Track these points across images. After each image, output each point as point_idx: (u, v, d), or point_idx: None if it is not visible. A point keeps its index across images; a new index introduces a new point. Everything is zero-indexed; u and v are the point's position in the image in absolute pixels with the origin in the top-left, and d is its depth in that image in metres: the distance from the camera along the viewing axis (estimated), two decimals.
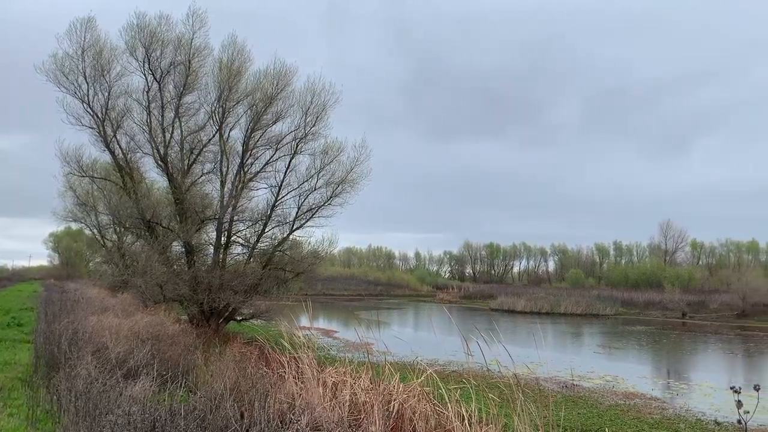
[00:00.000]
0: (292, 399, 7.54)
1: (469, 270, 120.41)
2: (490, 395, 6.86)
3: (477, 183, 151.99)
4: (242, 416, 6.10)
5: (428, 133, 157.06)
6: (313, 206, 20.53)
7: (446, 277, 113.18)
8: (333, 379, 8.64)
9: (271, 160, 20.66)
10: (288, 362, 8.94)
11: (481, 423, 6.87)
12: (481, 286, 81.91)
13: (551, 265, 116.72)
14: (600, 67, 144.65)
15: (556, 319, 44.54)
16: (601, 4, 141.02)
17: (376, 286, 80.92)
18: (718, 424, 11.76)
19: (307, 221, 20.70)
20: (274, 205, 20.63)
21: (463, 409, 6.97)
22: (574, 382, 16.46)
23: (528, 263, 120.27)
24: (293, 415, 6.70)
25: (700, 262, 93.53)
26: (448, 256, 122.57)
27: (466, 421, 6.77)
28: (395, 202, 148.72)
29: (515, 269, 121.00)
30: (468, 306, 59.18)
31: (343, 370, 8.89)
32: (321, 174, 20.42)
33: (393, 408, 7.63)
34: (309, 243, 21.69)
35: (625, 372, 19.31)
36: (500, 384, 6.77)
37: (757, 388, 3.51)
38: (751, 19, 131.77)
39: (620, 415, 12.28)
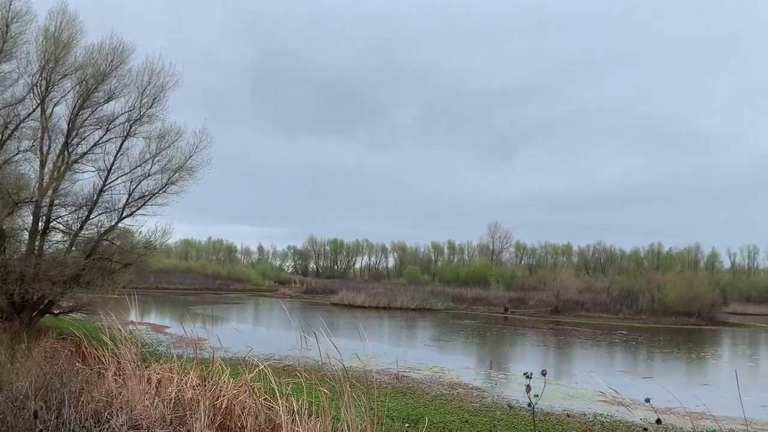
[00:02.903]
0: (110, 397, 7.05)
1: (312, 265, 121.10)
2: (322, 389, 6.92)
3: (323, 179, 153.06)
4: (35, 416, 5.57)
5: (274, 126, 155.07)
6: (146, 193, 19.33)
7: (289, 272, 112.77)
8: (158, 376, 8.23)
9: (101, 141, 19.11)
10: (108, 359, 8.36)
11: (311, 416, 6.92)
12: (324, 281, 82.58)
13: (391, 262, 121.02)
14: (441, 74, 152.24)
15: (392, 314, 46.15)
16: (444, 13, 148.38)
17: (215, 281, 78.17)
18: (510, 407, 12.92)
19: (138, 209, 19.43)
20: (101, 190, 19.11)
21: (294, 403, 6.97)
22: (404, 374, 17.17)
23: (370, 259, 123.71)
24: (109, 414, 6.27)
25: (523, 262, 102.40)
26: (292, 250, 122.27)
27: (296, 415, 6.78)
28: (238, 194, 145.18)
29: (357, 265, 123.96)
30: (310, 301, 59.35)
31: (170, 366, 8.50)
32: (156, 159, 19.28)
33: (221, 404, 7.45)
34: (140, 232, 20.42)
35: (452, 363, 20.51)
36: (332, 377, 6.85)
37: (544, 373, 3.89)
38: (570, 41, 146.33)
39: (444, 404, 13.01)
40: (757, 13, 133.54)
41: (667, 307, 49.76)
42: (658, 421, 4.30)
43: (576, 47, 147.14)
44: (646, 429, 4.74)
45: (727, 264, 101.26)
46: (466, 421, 11.30)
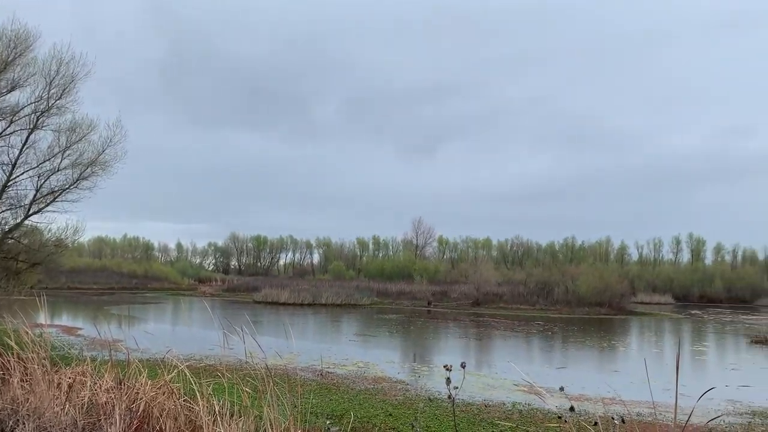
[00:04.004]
0: (15, 405, 6.68)
1: (234, 262, 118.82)
2: (244, 388, 6.82)
3: (244, 173, 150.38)
4: None
5: (192, 119, 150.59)
6: (56, 189, 18.36)
7: (210, 269, 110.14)
8: (69, 380, 7.86)
9: (4, 133, 17.96)
10: (14, 364, 7.90)
11: (234, 416, 6.81)
12: (247, 279, 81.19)
13: (316, 258, 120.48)
14: (363, 68, 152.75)
15: (317, 310, 45.98)
16: (365, 7, 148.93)
17: (131, 280, 75.32)
18: (431, 400, 13.18)
19: (47, 205, 18.42)
20: (5, 186, 17.97)
21: (215, 404, 6.83)
22: (329, 370, 17.16)
23: (294, 256, 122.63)
24: (15, 422, 5.94)
25: (445, 256, 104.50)
26: (213, 247, 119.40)
27: (218, 415, 6.66)
28: (155, 189, 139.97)
29: (282, 261, 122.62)
30: (231, 299, 58.19)
31: (82, 369, 8.14)
32: (66, 153, 18.34)
33: (138, 407, 7.20)
34: (50, 230, 19.40)
35: (376, 358, 20.68)
36: (255, 376, 6.77)
37: (463, 366, 4.01)
38: (488, 38, 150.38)
39: (369, 399, 13.12)
40: (668, 15, 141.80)
41: (580, 297, 52.09)
42: (572, 409, 4.51)
43: (495, 45, 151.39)
44: (560, 417, 4.97)
45: (635, 256, 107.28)
46: (390, 415, 11.44)
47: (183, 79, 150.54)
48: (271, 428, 5.94)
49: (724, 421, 11.95)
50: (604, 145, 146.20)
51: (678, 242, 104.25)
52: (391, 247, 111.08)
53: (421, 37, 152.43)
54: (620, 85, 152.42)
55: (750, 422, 11.97)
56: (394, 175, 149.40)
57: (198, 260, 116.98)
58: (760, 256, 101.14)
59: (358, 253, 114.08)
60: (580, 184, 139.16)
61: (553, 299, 53.44)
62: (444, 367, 4.09)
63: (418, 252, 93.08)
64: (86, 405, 7.10)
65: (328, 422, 9.79)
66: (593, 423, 4.45)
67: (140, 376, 7.77)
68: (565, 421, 4.88)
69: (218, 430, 6.20)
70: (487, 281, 57.65)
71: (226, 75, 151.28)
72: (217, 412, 6.63)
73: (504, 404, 13.39)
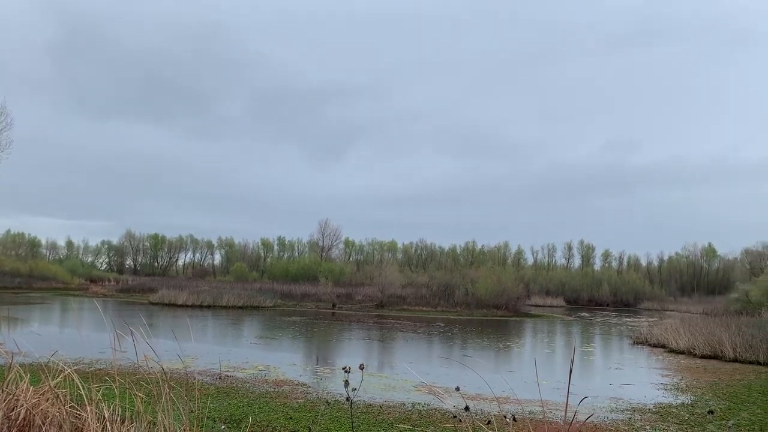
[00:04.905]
0: None
1: (130, 262, 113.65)
2: (138, 393, 6.56)
3: (141, 169, 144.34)
4: None
5: (82, 108, 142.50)
6: None
7: (103, 269, 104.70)
8: None
9: None
10: None
11: (125, 422, 6.54)
12: (143, 279, 77.96)
13: (218, 259, 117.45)
14: (268, 66, 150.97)
15: (217, 312, 44.77)
16: (268, 3, 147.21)
17: (13, 278, 70.16)
18: (329, 404, 13.20)
19: None
20: None
21: (105, 410, 6.53)
22: (228, 374, 16.77)
23: (194, 256, 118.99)
24: None
25: (351, 258, 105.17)
26: (106, 246, 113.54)
27: (107, 422, 6.36)
28: (44, 182, 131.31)
29: (180, 262, 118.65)
30: (126, 300, 55.51)
31: None
32: None
33: (18, 415, 6.76)
34: None
35: (278, 361, 20.43)
36: (149, 380, 6.53)
37: (361, 368, 4.09)
38: (398, 44, 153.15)
39: (269, 402, 12.94)
40: (567, 31, 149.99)
41: (479, 300, 53.99)
42: (467, 408, 4.69)
43: (401, 50, 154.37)
44: (455, 416, 5.16)
45: (530, 261, 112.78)
46: (290, 418, 11.35)
47: (73, 65, 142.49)
48: None
49: (608, 418, 12.77)
50: (504, 153, 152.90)
51: (570, 248, 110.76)
52: (296, 249, 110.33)
53: (329, 39, 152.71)
54: (520, 96, 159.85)
55: (630, 418, 12.88)
56: (301, 175, 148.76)
57: (90, 259, 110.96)
58: (643, 263, 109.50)
59: (262, 255, 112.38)
60: (481, 190, 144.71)
61: (453, 301, 55.00)
62: (343, 369, 4.14)
63: (324, 254, 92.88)
64: None
65: (222, 427, 9.60)
66: (487, 422, 4.66)
67: (21, 381, 7.29)
68: (461, 420, 5.06)
69: None
70: (392, 283, 58.49)
71: (121, 65, 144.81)
72: (107, 419, 6.36)
73: (404, 405, 13.61)
